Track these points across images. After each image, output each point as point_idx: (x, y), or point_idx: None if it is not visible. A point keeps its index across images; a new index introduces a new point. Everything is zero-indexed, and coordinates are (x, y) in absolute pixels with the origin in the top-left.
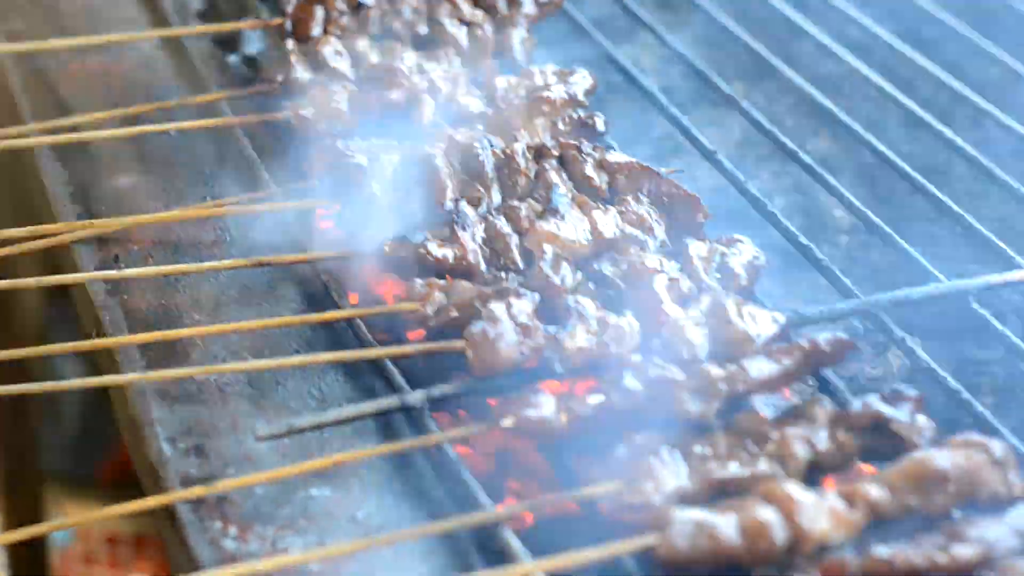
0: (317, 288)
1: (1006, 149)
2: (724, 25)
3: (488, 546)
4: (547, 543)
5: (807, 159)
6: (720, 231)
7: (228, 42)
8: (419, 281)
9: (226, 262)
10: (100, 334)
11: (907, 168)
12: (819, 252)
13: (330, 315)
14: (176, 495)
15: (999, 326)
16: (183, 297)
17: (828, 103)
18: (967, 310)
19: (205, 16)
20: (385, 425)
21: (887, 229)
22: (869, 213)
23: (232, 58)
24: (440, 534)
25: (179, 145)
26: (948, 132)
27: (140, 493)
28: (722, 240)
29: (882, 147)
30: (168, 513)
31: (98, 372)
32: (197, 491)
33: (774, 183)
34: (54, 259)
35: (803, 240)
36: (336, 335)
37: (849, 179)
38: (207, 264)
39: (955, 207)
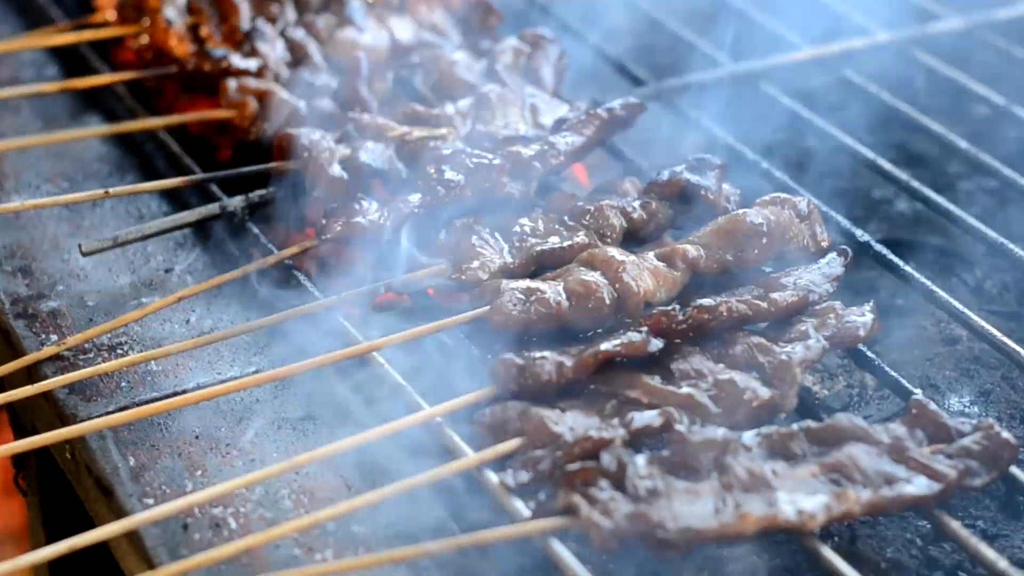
0: (122, 112)
1: None
2: None
3: (319, 334)
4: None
5: None
6: None
7: None
8: (232, 86)
9: (31, 87)
10: None
11: None
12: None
13: (139, 124)
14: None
15: (790, 103)
16: None
17: None
18: (757, 91)
19: None
20: (204, 234)
21: None
22: None
23: None
24: (274, 327)
25: None
26: None
27: None
28: (527, 38)
29: None
30: (2, 334)
31: None
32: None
33: None
34: None
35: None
36: (146, 156)
37: None
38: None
39: None
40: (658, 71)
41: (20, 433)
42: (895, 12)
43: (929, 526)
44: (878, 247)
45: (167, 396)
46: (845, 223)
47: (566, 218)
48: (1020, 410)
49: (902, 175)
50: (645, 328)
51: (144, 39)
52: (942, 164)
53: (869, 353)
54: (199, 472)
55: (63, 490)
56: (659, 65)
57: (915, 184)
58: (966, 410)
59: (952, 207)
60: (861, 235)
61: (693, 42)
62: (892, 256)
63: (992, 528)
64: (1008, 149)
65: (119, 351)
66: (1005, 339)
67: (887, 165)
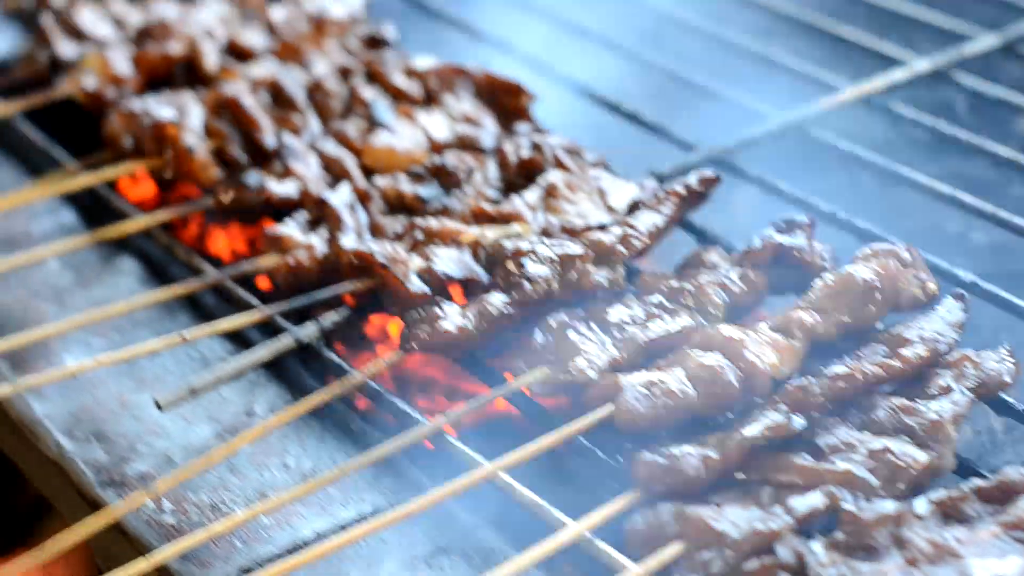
0: (156, 255)
1: None
2: None
3: (431, 461)
4: (490, 448)
5: None
6: None
7: None
8: (278, 233)
9: (63, 243)
10: None
11: None
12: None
13: (197, 285)
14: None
15: (847, 147)
16: (19, 291)
17: None
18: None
19: None
20: (278, 367)
21: None
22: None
23: None
24: (378, 461)
25: None
26: None
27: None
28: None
29: None
30: (94, 506)
31: None
32: (139, 497)
33: None
34: None
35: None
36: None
37: None
38: (46, 250)
39: None
40: (697, 130)
41: None
42: (928, 38)
43: None
44: (987, 285)
45: (288, 550)
46: (943, 264)
47: (663, 300)
48: None
49: (986, 205)
50: (783, 406)
51: (167, 171)
52: (1004, 187)
53: (1007, 397)
54: None
55: None
56: (696, 124)
57: (1002, 213)
58: None
59: None
60: (965, 275)
61: (730, 96)
62: (1005, 293)
63: None
64: None
65: (223, 509)
66: None
67: (968, 198)
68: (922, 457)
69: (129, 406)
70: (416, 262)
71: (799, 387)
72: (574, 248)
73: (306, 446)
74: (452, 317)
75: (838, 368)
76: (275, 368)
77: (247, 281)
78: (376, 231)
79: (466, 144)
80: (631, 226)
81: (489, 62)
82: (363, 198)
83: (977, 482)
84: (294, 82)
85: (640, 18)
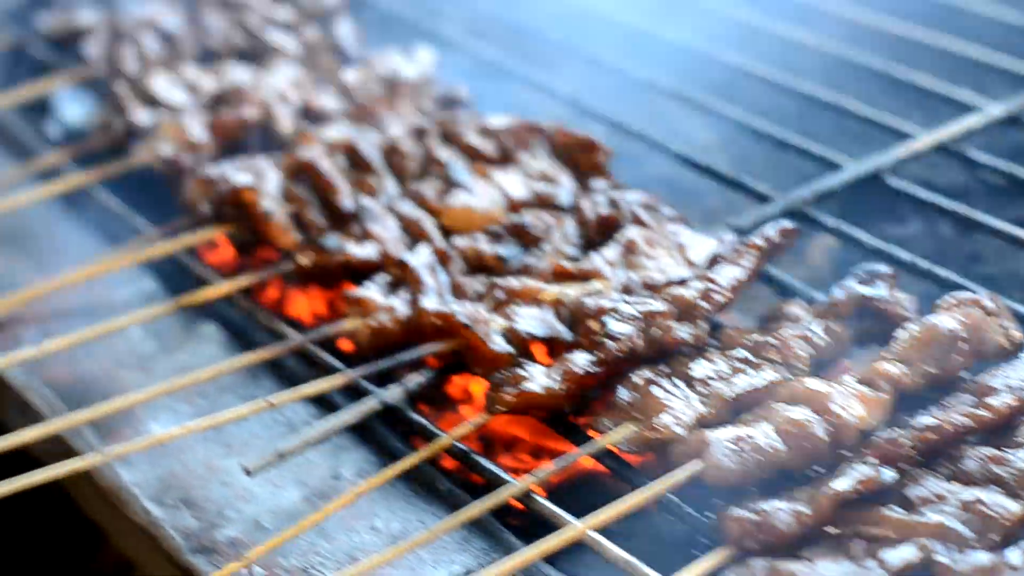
0: (238, 320)
1: None
2: None
3: (520, 522)
4: (578, 507)
5: None
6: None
7: (39, 108)
8: (359, 296)
9: (146, 311)
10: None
11: None
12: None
13: (280, 350)
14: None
15: (925, 194)
16: (104, 359)
17: None
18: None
19: (4, 89)
20: (363, 429)
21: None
22: None
23: (51, 125)
24: (468, 523)
25: (33, 217)
26: None
27: None
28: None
29: None
30: (185, 573)
31: (29, 463)
32: (232, 566)
33: None
34: None
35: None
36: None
37: None
38: (128, 319)
39: None
40: (771, 181)
41: None
42: (1001, 83)
43: None
44: None
45: None
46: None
47: (747, 354)
48: None
49: None
50: (872, 459)
51: (246, 235)
52: None
53: None
54: None
55: None
56: (771, 176)
57: None
58: None
59: None
60: None
61: (804, 146)
62: None
63: None
64: None
65: (313, 573)
66: None
67: None
68: (1014, 507)
69: (217, 471)
70: (498, 322)
71: (888, 439)
72: (656, 305)
73: (394, 508)
74: (537, 378)
75: (926, 419)
76: (360, 430)
77: (328, 343)
78: (457, 292)
79: (543, 202)
80: (712, 280)
81: (562, 119)
82: (443, 259)
83: None
84: (369, 144)
85: (711, 71)
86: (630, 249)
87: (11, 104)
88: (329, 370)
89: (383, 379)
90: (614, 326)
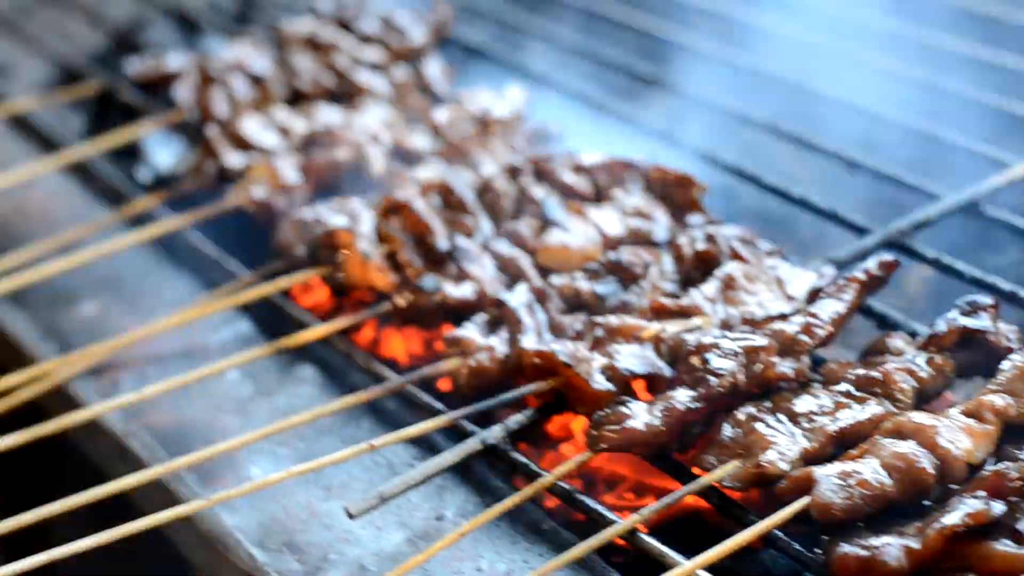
0: (334, 361)
1: None
2: None
3: (625, 560)
4: (680, 544)
5: None
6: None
7: (130, 153)
8: (458, 336)
9: (243, 355)
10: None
11: None
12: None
13: (379, 392)
14: None
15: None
16: (202, 404)
17: None
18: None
19: (95, 135)
20: (464, 469)
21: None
22: None
23: (142, 170)
24: (573, 563)
25: (127, 263)
26: None
27: None
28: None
29: None
30: None
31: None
32: None
33: None
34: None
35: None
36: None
37: None
38: (226, 362)
39: None
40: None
41: None
42: None
43: None
44: None
45: None
46: None
47: (850, 388)
48: None
49: None
50: (981, 492)
51: (342, 278)
52: None
53: None
54: None
55: None
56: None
57: None
58: None
59: None
60: None
61: (900, 176)
62: None
63: None
64: None
65: None
66: None
67: None
68: None
69: (319, 515)
70: (599, 360)
71: (997, 473)
72: (758, 340)
73: (499, 548)
74: (639, 415)
75: None
76: (462, 470)
77: (426, 383)
78: (556, 330)
79: (639, 238)
80: (813, 315)
81: (654, 154)
82: (541, 297)
83: None
84: (463, 183)
85: (801, 101)
86: (729, 284)
87: (102, 150)
88: (428, 411)
89: (483, 419)
90: (716, 362)
